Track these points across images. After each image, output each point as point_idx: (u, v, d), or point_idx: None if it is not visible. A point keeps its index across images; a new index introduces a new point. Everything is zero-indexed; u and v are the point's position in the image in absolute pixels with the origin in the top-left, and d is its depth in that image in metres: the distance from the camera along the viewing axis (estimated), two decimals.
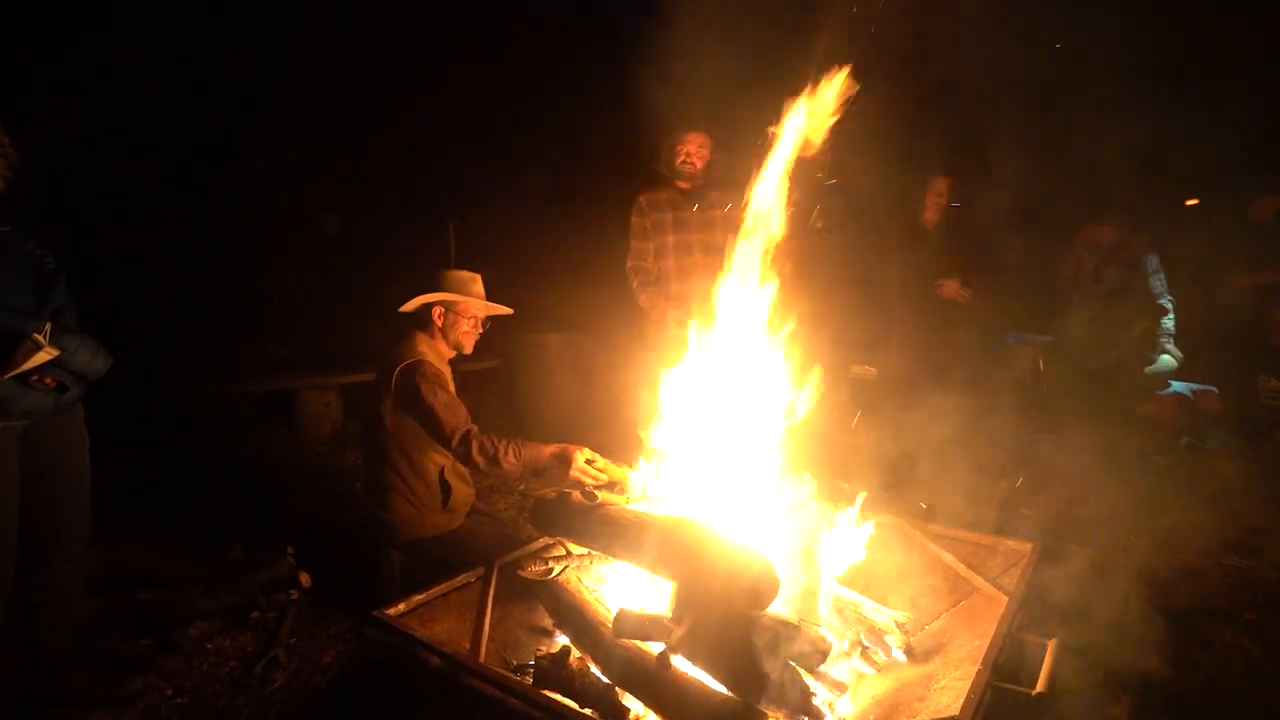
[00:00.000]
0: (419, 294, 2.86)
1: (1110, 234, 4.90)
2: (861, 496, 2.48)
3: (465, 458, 2.58)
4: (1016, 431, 5.19)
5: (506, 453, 2.54)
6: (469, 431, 2.60)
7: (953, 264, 4.72)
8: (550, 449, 2.56)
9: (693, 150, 3.89)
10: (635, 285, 4.00)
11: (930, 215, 4.82)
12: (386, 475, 2.84)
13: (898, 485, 3.58)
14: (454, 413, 2.65)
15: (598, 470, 2.49)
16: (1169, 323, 4.89)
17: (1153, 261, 4.90)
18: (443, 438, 2.64)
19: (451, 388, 2.82)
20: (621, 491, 2.35)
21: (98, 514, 2.50)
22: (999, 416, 5.40)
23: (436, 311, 2.89)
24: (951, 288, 4.71)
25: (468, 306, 2.90)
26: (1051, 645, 2.02)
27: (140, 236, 5.62)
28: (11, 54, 4.61)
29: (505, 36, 7.31)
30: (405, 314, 2.90)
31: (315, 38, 6.39)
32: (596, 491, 2.20)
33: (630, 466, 2.50)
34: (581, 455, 2.51)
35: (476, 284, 2.94)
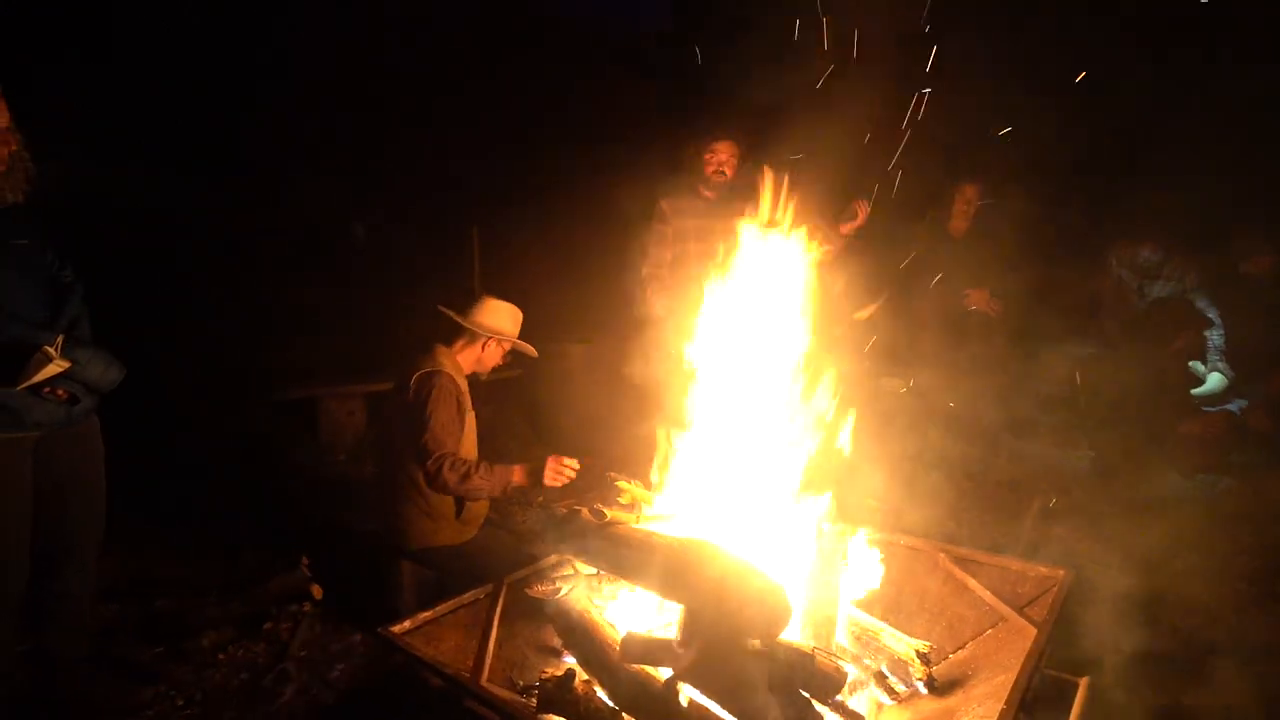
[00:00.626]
0: (474, 317, 2.87)
1: (1149, 251, 4.73)
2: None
3: (435, 475, 2.66)
4: (1051, 448, 5.03)
5: (478, 470, 2.67)
6: (445, 454, 2.67)
7: (982, 274, 4.58)
8: (519, 467, 2.72)
9: (724, 159, 3.78)
10: (649, 293, 3.90)
11: (959, 223, 4.68)
12: (401, 484, 2.83)
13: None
14: (446, 433, 2.70)
15: (571, 468, 2.67)
16: (1218, 338, 4.68)
17: (1195, 277, 4.71)
18: (424, 450, 2.68)
19: (464, 406, 2.82)
20: (632, 510, 2.28)
21: (114, 521, 2.51)
22: (1033, 432, 5.26)
23: (490, 342, 2.92)
24: (980, 298, 4.56)
25: (509, 344, 2.97)
26: (1083, 684, 1.91)
27: (167, 242, 5.73)
28: (19, 56, 4.69)
29: (531, 43, 7.33)
30: (426, 323, 2.92)
31: (339, 43, 6.47)
32: (606, 510, 2.14)
33: (654, 488, 2.44)
34: (554, 462, 2.68)
35: (519, 323, 2.99)
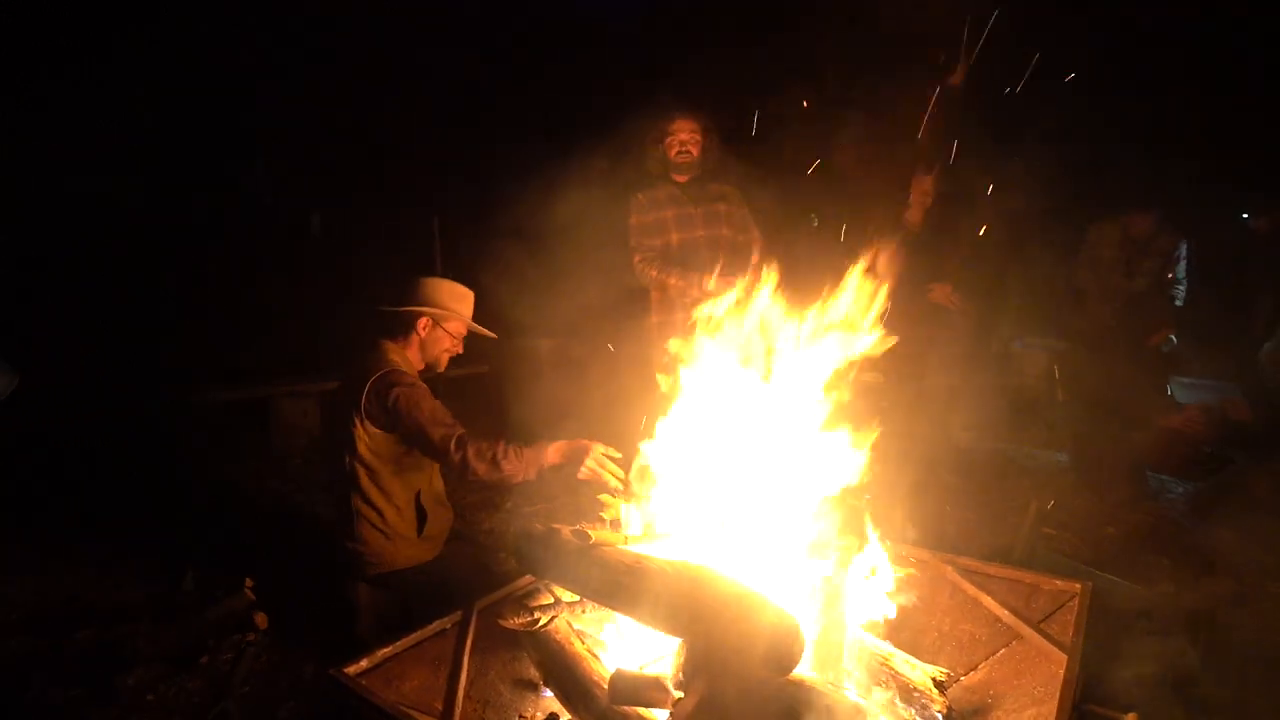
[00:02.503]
0: (407, 300, 2.59)
1: (1148, 224, 4.66)
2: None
3: (463, 465, 2.30)
4: (1031, 446, 4.96)
5: (506, 455, 2.28)
6: (462, 436, 2.33)
7: (943, 267, 4.44)
8: (556, 445, 2.31)
9: (685, 138, 3.57)
10: (642, 263, 3.67)
11: (915, 214, 4.53)
12: (353, 501, 2.54)
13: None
14: (442, 419, 2.39)
15: (614, 469, 2.25)
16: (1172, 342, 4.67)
17: (1184, 249, 4.69)
18: (435, 450, 2.37)
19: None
20: (618, 528, 2.05)
21: (37, 538, 2.19)
22: (1012, 429, 5.18)
23: (423, 322, 2.62)
24: (942, 292, 4.42)
25: (456, 325, 2.66)
26: None
27: (105, 231, 5.32)
28: None
29: (496, 32, 7.02)
30: (369, 321, 2.64)
31: (292, 29, 6.09)
32: (590, 530, 1.90)
33: (637, 499, 2.20)
34: (598, 448, 2.28)
35: (469, 302, 2.70)
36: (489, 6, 6.54)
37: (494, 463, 2.28)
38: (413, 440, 2.44)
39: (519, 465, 2.30)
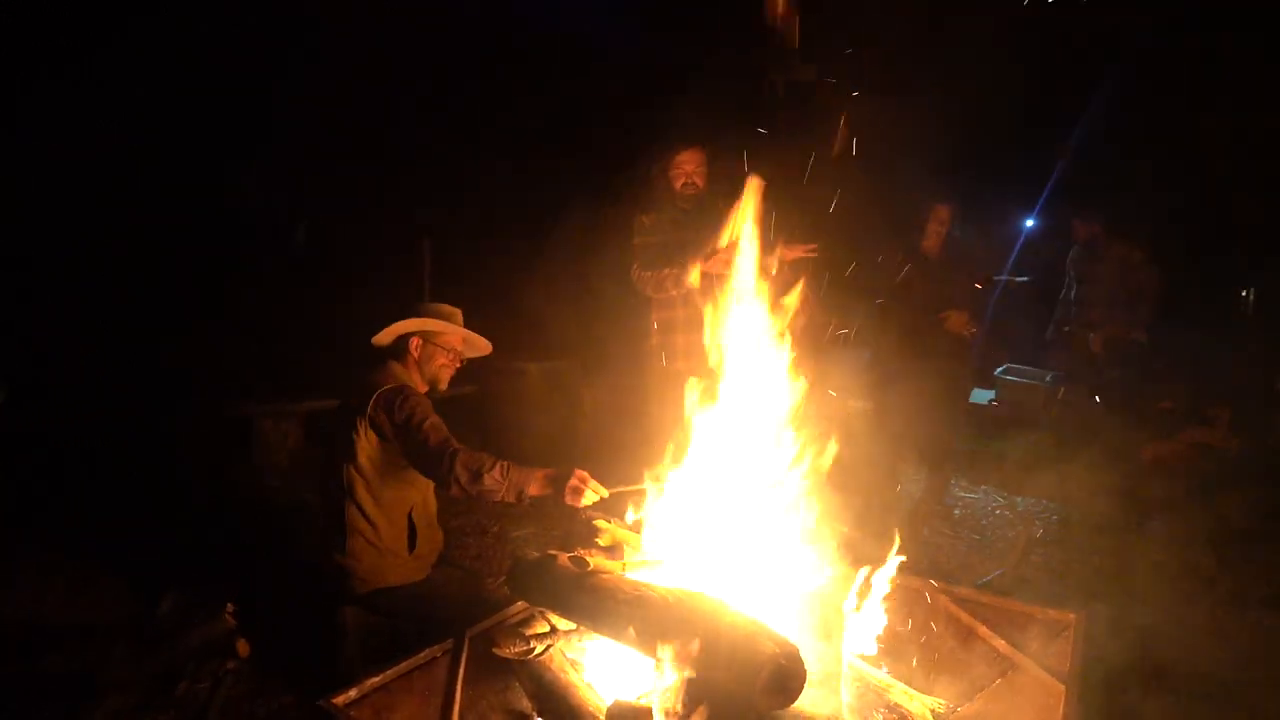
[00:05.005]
0: (396, 323, 2.63)
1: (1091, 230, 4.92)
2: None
3: (449, 472, 2.25)
4: (1024, 472, 4.99)
5: (492, 469, 2.23)
6: (456, 448, 2.31)
7: (957, 295, 4.49)
8: (542, 471, 2.26)
9: (691, 169, 3.61)
10: (639, 269, 3.66)
11: (931, 243, 4.60)
12: (348, 512, 2.53)
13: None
14: (441, 431, 2.40)
15: (597, 487, 2.21)
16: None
17: (1140, 256, 5.00)
18: (430, 456, 2.33)
19: None
20: (620, 556, 2.02)
21: (9, 557, 2.11)
22: (1005, 456, 5.23)
23: (414, 343, 2.67)
24: (959, 320, 4.47)
25: (448, 338, 2.70)
26: None
27: (86, 242, 5.23)
28: None
29: (488, 51, 7.06)
30: (378, 345, 2.65)
31: (284, 42, 6.08)
32: (588, 558, 1.87)
33: (635, 527, 2.18)
34: (579, 478, 2.23)
35: (457, 318, 2.75)
36: (485, 23, 6.59)
37: (476, 475, 2.23)
38: (412, 451, 2.42)
39: (502, 483, 2.23)
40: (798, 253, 3.35)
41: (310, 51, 6.02)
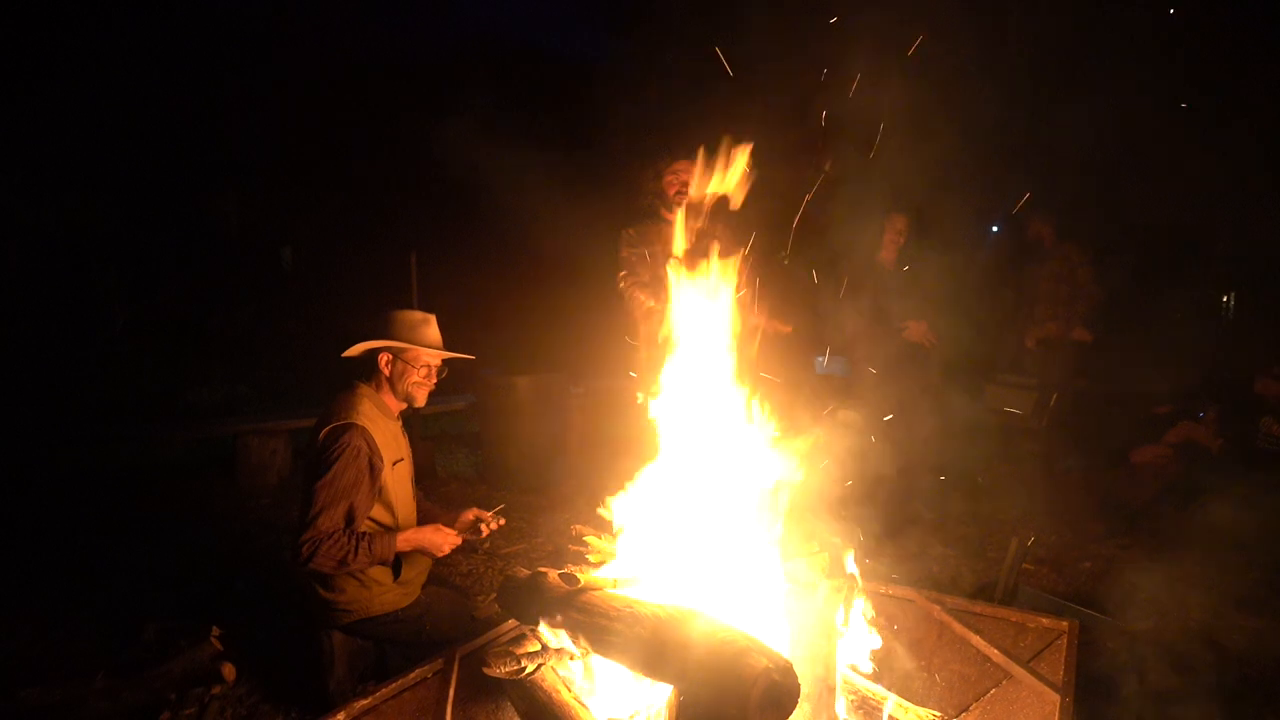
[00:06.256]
0: (364, 337, 2.46)
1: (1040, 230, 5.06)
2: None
3: (306, 559, 2.23)
4: (1010, 480, 5.01)
5: (357, 555, 2.29)
6: (322, 536, 2.25)
7: (917, 305, 4.53)
8: (407, 533, 2.42)
9: (686, 179, 3.62)
10: (626, 277, 3.69)
11: (888, 254, 4.63)
12: None
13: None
14: (334, 508, 2.29)
15: (485, 516, 2.58)
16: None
17: (1080, 256, 5.14)
18: (303, 523, 2.28)
19: (381, 463, 2.41)
20: (606, 567, 2.00)
21: None
22: (994, 463, 5.25)
23: (384, 359, 2.49)
24: (919, 330, 4.50)
25: (418, 355, 2.51)
26: None
27: (69, 262, 5.18)
28: None
29: (474, 69, 7.08)
30: (349, 359, 2.51)
31: (271, 63, 6.08)
32: (579, 574, 1.85)
33: (614, 537, 2.16)
34: (469, 515, 2.58)
35: (430, 326, 2.55)
36: (470, 42, 6.61)
37: (342, 562, 2.28)
38: (305, 495, 2.34)
39: (368, 561, 2.32)
40: (780, 327, 3.54)
41: (290, 66, 6.02)
